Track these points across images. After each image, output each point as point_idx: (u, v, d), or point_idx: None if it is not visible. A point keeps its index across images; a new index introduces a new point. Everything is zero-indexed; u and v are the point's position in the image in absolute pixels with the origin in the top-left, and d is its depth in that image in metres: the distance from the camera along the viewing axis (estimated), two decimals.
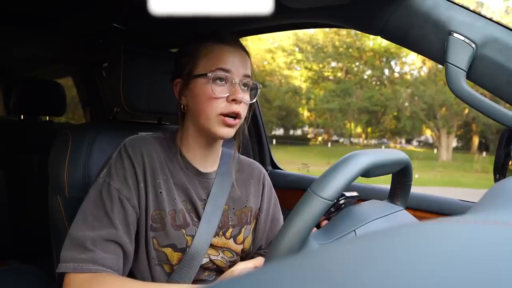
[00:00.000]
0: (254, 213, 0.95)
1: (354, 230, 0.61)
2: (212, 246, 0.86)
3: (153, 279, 0.82)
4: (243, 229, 0.92)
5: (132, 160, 0.80)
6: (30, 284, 1.24)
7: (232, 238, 0.90)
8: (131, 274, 0.82)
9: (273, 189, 1.02)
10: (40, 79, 1.96)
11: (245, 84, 0.82)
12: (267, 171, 1.55)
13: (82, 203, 0.79)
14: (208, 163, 0.90)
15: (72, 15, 1.34)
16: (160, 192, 0.81)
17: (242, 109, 0.81)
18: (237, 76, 0.80)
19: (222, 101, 0.79)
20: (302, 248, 0.53)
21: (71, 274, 0.72)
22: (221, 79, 0.79)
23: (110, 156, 0.83)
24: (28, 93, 1.85)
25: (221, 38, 0.82)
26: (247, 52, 0.85)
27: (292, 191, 1.36)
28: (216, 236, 0.87)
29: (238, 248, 0.91)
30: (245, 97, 0.82)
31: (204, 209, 0.86)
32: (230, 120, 0.79)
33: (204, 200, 0.87)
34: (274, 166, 1.61)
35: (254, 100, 0.86)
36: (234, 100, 0.78)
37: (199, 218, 0.85)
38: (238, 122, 0.81)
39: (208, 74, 0.79)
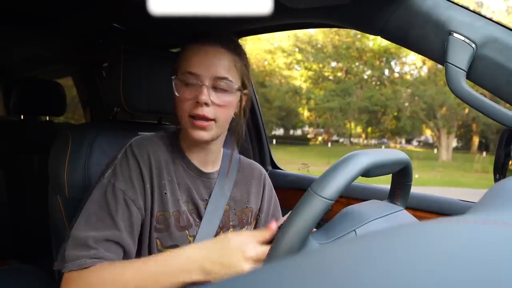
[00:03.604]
0: (254, 213, 0.96)
1: (354, 230, 0.61)
2: None
3: None
4: (243, 230, 0.92)
5: (138, 161, 0.80)
6: (30, 284, 1.24)
7: None
8: None
9: (273, 189, 1.02)
10: (40, 79, 1.96)
11: (215, 86, 0.80)
12: (267, 171, 1.56)
13: (86, 203, 0.78)
14: (208, 163, 0.90)
15: (72, 15, 1.34)
16: (165, 193, 0.81)
17: (212, 111, 0.79)
18: (206, 78, 0.78)
19: (191, 103, 0.79)
20: (302, 248, 0.53)
21: (73, 272, 0.72)
22: (187, 82, 0.79)
23: (115, 156, 0.82)
24: (28, 93, 1.85)
25: (202, 39, 0.81)
26: (233, 52, 0.82)
27: (292, 191, 1.36)
28: (217, 236, 0.87)
29: None
30: (216, 98, 0.79)
31: (205, 209, 0.86)
32: (198, 122, 0.78)
33: (206, 200, 0.87)
34: (274, 166, 1.61)
35: (230, 100, 0.81)
36: (198, 102, 0.78)
37: (200, 218, 0.85)
38: (209, 125, 0.79)
39: (174, 77, 0.81)
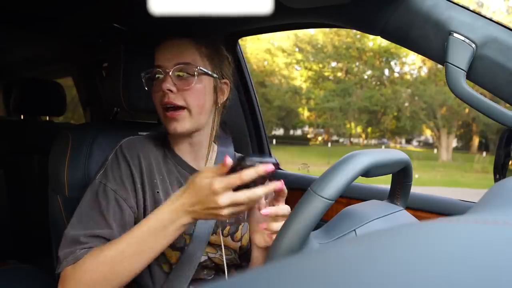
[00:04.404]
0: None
1: (354, 230, 0.61)
2: (210, 244, 0.86)
3: (152, 279, 0.82)
4: (240, 227, 0.92)
5: (128, 161, 0.81)
6: (30, 284, 1.24)
7: (229, 236, 0.90)
8: None
9: None
10: (40, 79, 1.95)
11: (179, 72, 0.81)
12: None
13: (79, 204, 0.79)
14: (200, 160, 0.90)
15: (72, 15, 1.34)
16: (157, 192, 0.82)
17: (180, 98, 0.80)
18: (169, 67, 0.80)
19: (160, 94, 0.82)
20: (302, 247, 0.53)
21: (68, 268, 0.72)
22: (155, 75, 0.83)
23: (107, 157, 0.83)
24: (28, 93, 1.84)
25: (171, 35, 0.84)
26: (200, 41, 0.83)
27: (292, 191, 1.36)
28: (214, 234, 0.87)
29: (236, 245, 0.91)
30: (181, 84, 0.80)
31: None
32: (169, 113, 0.81)
33: None
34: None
35: (197, 84, 0.81)
36: (163, 91, 0.80)
37: None
38: (180, 114, 0.80)
39: (142, 74, 0.85)
